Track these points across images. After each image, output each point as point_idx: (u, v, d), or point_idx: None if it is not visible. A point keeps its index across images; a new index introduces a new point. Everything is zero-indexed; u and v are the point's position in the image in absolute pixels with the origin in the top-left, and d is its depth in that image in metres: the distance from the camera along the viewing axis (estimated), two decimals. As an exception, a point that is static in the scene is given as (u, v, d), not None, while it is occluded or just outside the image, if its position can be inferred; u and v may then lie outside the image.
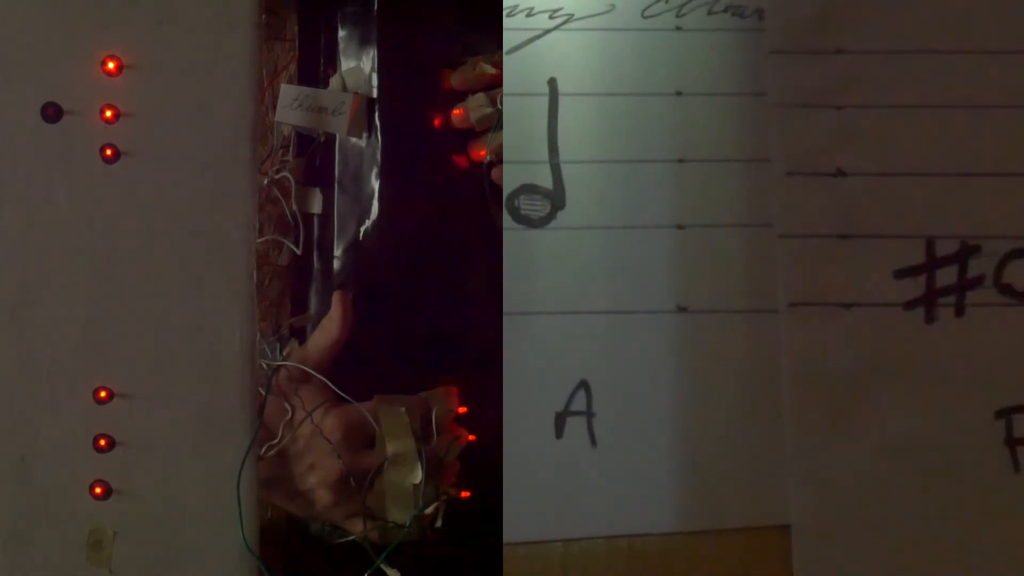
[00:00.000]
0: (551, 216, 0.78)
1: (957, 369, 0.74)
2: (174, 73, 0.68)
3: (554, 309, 0.77)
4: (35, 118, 0.67)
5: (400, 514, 0.77)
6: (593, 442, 0.74)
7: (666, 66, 0.81)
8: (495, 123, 0.81)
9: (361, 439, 0.78)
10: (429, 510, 0.77)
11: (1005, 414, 0.74)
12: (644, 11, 0.82)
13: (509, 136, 0.80)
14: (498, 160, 0.80)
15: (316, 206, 0.88)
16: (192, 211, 0.68)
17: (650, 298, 0.77)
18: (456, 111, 0.83)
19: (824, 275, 0.76)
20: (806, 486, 0.73)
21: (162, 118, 0.68)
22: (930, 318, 0.75)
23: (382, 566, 0.74)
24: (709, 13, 0.82)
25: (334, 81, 0.86)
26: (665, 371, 0.75)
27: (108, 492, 0.68)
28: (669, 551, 0.73)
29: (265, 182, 0.84)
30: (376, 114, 0.84)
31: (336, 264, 0.86)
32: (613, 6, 0.82)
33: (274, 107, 0.85)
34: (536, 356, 0.76)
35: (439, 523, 0.78)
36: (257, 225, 0.70)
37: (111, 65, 0.68)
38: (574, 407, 0.75)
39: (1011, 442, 0.73)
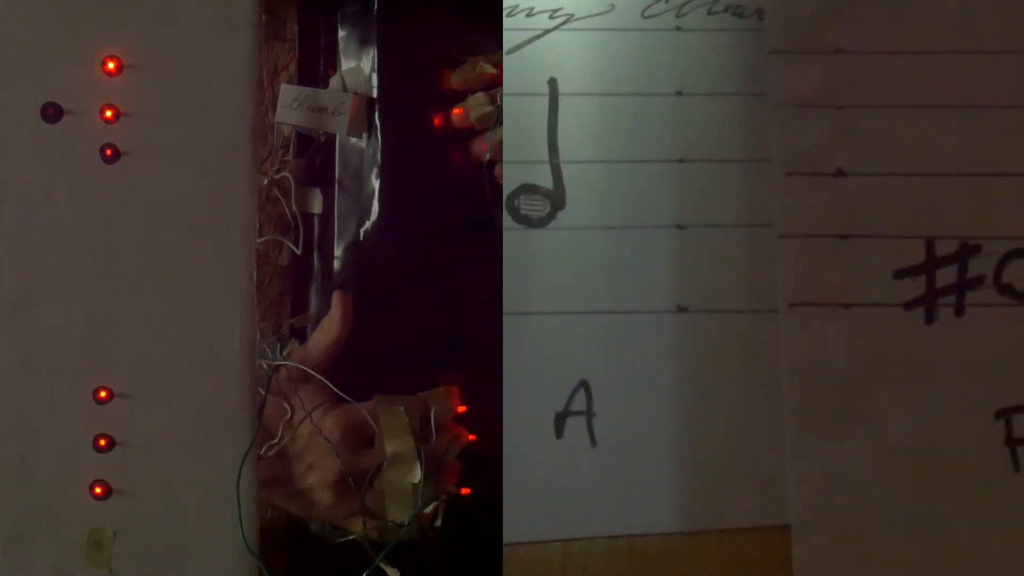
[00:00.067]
0: (551, 216, 0.78)
1: (957, 369, 0.74)
2: (174, 73, 0.68)
3: (554, 309, 0.77)
4: (35, 118, 0.67)
5: (399, 513, 0.77)
6: (593, 442, 0.75)
7: (666, 66, 0.81)
8: (495, 121, 0.81)
9: (360, 439, 0.78)
10: (428, 509, 0.77)
11: (1005, 414, 0.74)
12: (644, 11, 0.82)
13: (509, 136, 0.80)
14: (498, 158, 0.80)
15: (316, 206, 0.88)
16: (192, 211, 0.68)
17: (650, 298, 0.77)
18: (456, 110, 0.83)
19: (824, 275, 0.76)
20: (806, 486, 0.73)
21: (162, 118, 0.68)
22: (930, 318, 0.75)
23: (381, 565, 0.74)
24: (709, 13, 0.82)
25: (334, 81, 0.86)
26: (665, 371, 0.75)
27: (108, 492, 0.68)
28: (669, 551, 0.73)
29: (265, 182, 0.84)
30: (376, 114, 0.84)
31: (336, 264, 0.86)
32: (613, 6, 0.82)
33: (274, 107, 0.85)
34: (536, 356, 0.76)
35: (439, 522, 0.78)
36: (257, 225, 0.70)
37: (111, 65, 0.68)
38: (574, 407, 0.75)
39: (1011, 442, 0.73)
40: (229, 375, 0.69)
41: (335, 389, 0.78)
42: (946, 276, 0.76)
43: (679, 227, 0.78)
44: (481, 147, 0.82)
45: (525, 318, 0.76)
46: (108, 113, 0.68)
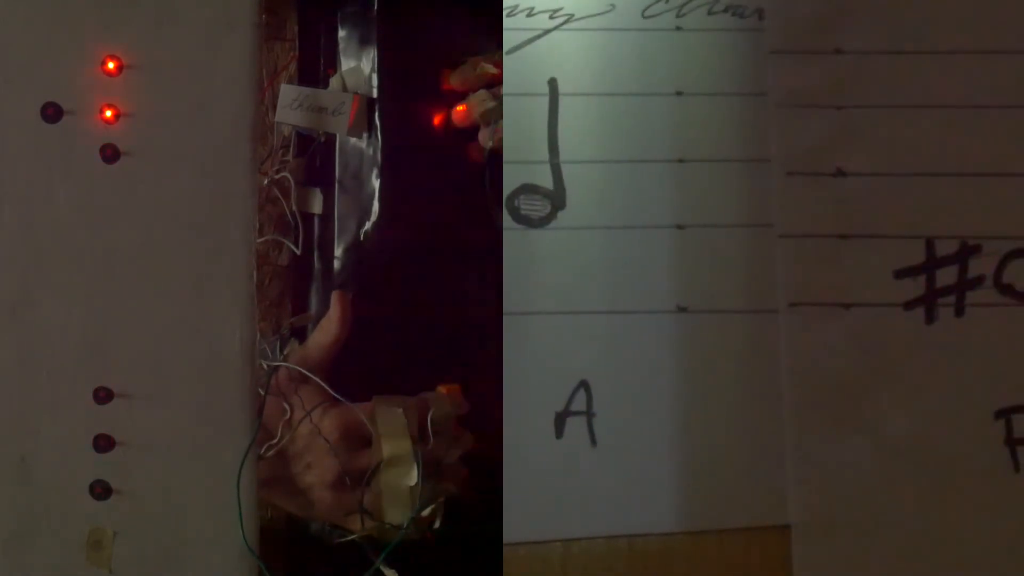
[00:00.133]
0: (551, 216, 0.78)
1: (957, 369, 0.74)
2: (174, 73, 0.68)
3: (554, 309, 0.77)
4: (35, 118, 0.67)
5: (397, 515, 0.77)
6: (593, 442, 0.75)
7: (666, 66, 0.81)
8: (498, 116, 0.81)
9: (359, 439, 0.78)
10: (426, 512, 0.77)
11: (1005, 414, 0.74)
12: (644, 11, 0.82)
13: (509, 136, 0.80)
14: (499, 147, 0.80)
15: (316, 206, 0.88)
16: (192, 211, 0.68)
17: (650, 298, 0.77)
18: (459, 107, 0.83)
19: (824, 275, 0.76)
20: (806, 486, 0.73)
21: (162, 118, 0.68)
22: (930, 318, 0.75)
23: (380, 567, 0.74)
24: (709, 13, 0.82)
25: (334, 81, 0.86)
26: (665, 371, 0.75)
27: (108, 492, 0.68)
28: (669, 551, 0.73)
29: (265, 182, 0.84)
30: (376, 114, 0.84)
31: (336, 264, 0.87)
32: (613, 6, 0.82)
33: (274, 107, 0.85)
34: (536, 356, 0.76)
35: (437, 524, 0.78)
36: (257, 225, 0.70)
37: (111, 65, 0.68)
38: (574, 407, 0.75)
39: (1011, 442, 0.73)
40: (229, 375, 0.69)
41: (330, 391, 0.78)
42: (946, 276, 0.76)
43: (679, 227, 0.78)
44: (484, 137, 0.82)
45: (525, 318, 0.76)
46: (108, 113, 0.68)
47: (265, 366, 0.77)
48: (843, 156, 0.78)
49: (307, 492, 0.80)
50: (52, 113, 0.67)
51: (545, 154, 0.79)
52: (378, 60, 0.84)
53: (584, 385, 0.75)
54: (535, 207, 0.79)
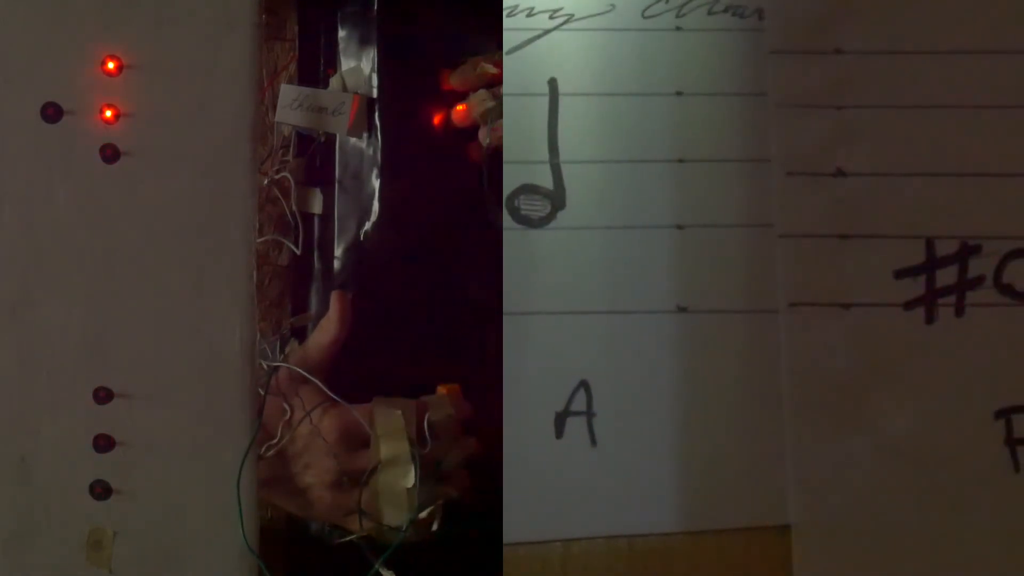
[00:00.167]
0: (551, 216, 0.78)
1: (957, 369, 0.74)
2: (174, 73, 0.68)
3: (554, 309, 0.77)
4: (35, 118, 0.67)
5: (395, 517, 0.77)
6: (593, 442, 0.74)
7: (666, 66, 0.81)
8: (497, 115, 0.81)
9: (358, 439, 0.78)
10: (424, 514, 0.77)
11: (1005, 414, 0.74)
12: (644, 11, 0.82)
13: (509, 136, 0.80)
14: (498, 147, 0.80)
15: (316, 206, 0.88)
16: (192, 211, 0.68)
17: (650, 298, 0.77)
18: (459, 107, 0.83)
19: (824, 275, 0.76)
20: (806, 486, 0.73)
21: (162, 118, 0.68)
22: (930, 318, 0.75)
23: (380, 569, 0.74)
24: (709, 13, 0.82)
25: (334, 81, 0.86)
26: (665, 371, 0.75)
27: (108, 492, 0.68)
28: (669, 551, 0.73)
29: (265, 182, 0.84)
30: (376, 114, 0.84)
31: (336, 264, 0.87)
32: (613, 6, 0.82)
33: (274, 107, 0.85)
34: (536, 356, 0.76)
35: (435, 526, 0.78)
36: (257, 225, 0.70)
37: (111, 65, 0.68)
38: (574, 407, 0.75)
39: (1011, 442, 0.73)
40: (229, 375, 0.69)
41: (328, 391, 0.78)
42: (946, 276, 0.76)
43: (679, 227, 0.78)
44: (482, 136, 0.82)
45: (525, 318, 0.76)
46: (108, 113, 0.68)
47: (265, 366, 0.77)
48: (843, 156, 0.78)
49: (306, 492, 0.80)
50: (52, 113, 0.67)
51: (545, 154, 0.79)
52: (378, 60, 0.84)
53: (584, 385, 0.75)
54: (535, 207, 0.78)
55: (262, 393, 0.74)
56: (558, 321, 0.76)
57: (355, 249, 0.86)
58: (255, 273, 0.69)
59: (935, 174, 0.77)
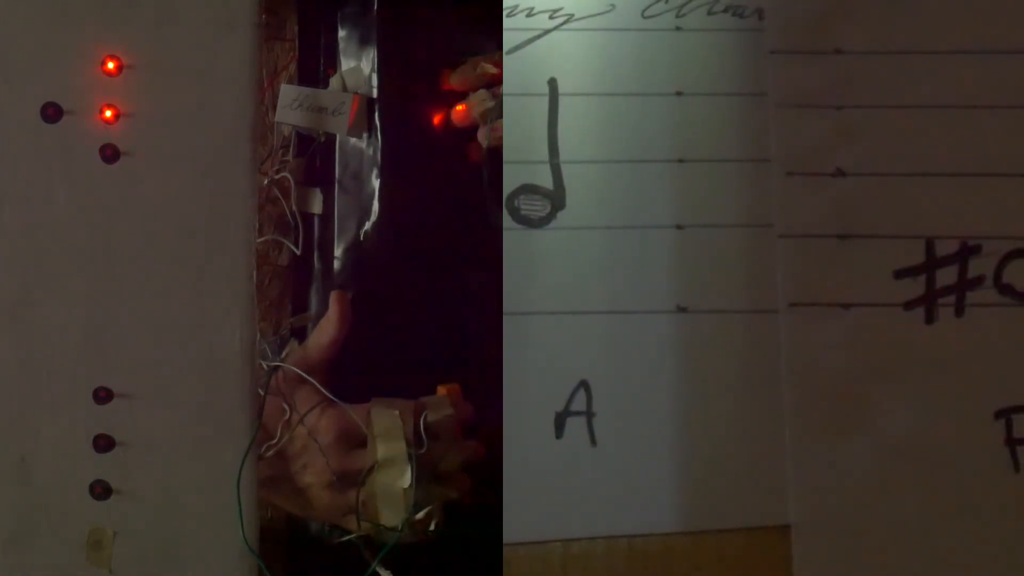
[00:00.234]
0: (551, 216, 0.78)
1: (957, 369, 0.74)
2: (174, 73, 0.68)
3: (554, 309, 0.77)
4: (35, 118, 0.67)
5: (391, 517, 0.77)
6: (593, 442, 0.74)
7: (666, 66, 0.81)
8: (497, 115, 0.81)
9: (356, 439, 0.78)
10: (421, 515, 0.77)
11: (1005, 414, 0.74)
12: (644, 11, 0.82)
13: (509, 136, 0.80)
14: (497, 146, 0.80)
15: (316, 206, 0.88)
16: (192, 211, 0.68)
17: (650, 298, 0.77)
18: (459, 107, 0.83)
19: (824, 275, 0.76)
20: (806, 486, 0.73)
21: (162, 118, 0.68)
22: (930, 318, 0.75)
23: (378, 569, 0.74)
24: (709, 13, 0.82)
25: (334, 81, 0.86)
26: (665, 371, 0.75)
27: (108, 492, 0.68)
28: (669, 551, 0.73)
29: (265, 182, 0.84)
30: (376, 114, 0.84)
31: (336, 264, 0.87)
32: (613, 6, 0.82)
33: (274, 107, 0.85)
34: (536, 356, 0.76)
35: (433, 527, 0.78)
36: (257, 225, 0.70)
37: (111, 65, 0.68)
38: (574, 407, 0.75)
39: (1011, 442, 0.73)
40: (229, 375, 0.69)
41: (325, 392, 0.78)
42: (946, 276, 0.76)
43: (679, 227, 0.78)
44: (481, 136, 0.82)
45: (525, 318, 0.76)
46: (108, 113, 0.68)
47: (265, 366, 0.77)
48: (843, 156, 0.78)
49: (305, 492, 0.80)
50: (52, 113, 0.67)
51: (545, 154, 0.79)
52: (378, 60, 0.84)
53: (584, 385, 0.75)
54: (535, 207, 0.78)
55: (262, 393, 0.74)
56: (558, 321, 0.76)
57: (355, 249, 0.86)
58: (255, 273, 0.69)
59: (935, 174, 0.77)
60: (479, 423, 0.81)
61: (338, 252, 0.86)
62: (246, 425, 0.69)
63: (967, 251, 0.76)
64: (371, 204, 0.85)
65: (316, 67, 0.89)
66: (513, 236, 0.78)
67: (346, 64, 0.86)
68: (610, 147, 0.80)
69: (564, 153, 0.79)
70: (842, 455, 0.73)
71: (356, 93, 0.84)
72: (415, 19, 0.85)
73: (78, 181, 0.68)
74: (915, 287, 0.76)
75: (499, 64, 0.81)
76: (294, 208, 0.85)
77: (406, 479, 0.77)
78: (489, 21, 0.82)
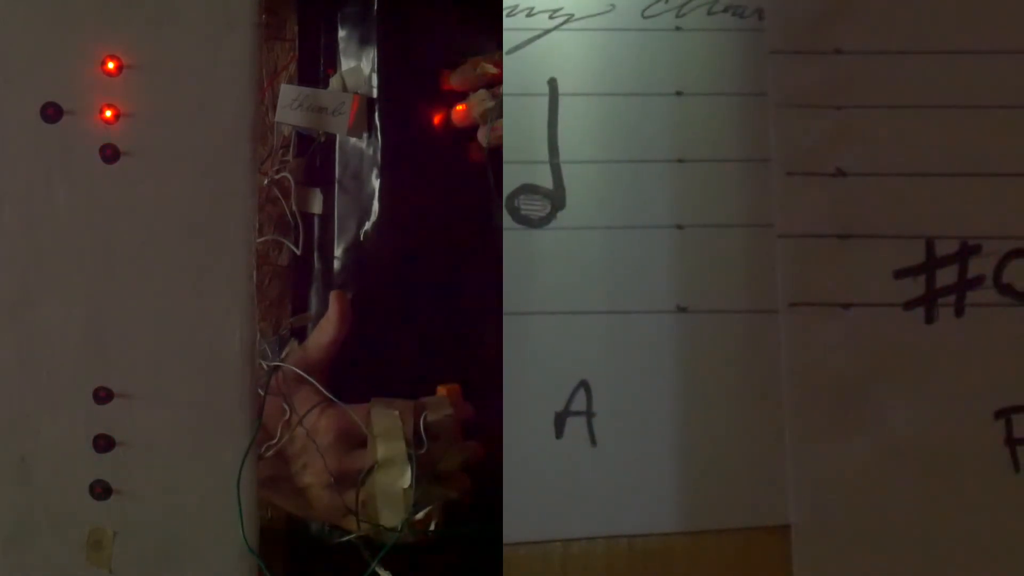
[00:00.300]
0: (551, 216, 0.78)
1: (957, 369, 0.74)
2: (174, 73, 0.68)
3: (554, 309, 0.77)
4: (35, 118, 0.67)
5: (391, 517, 0.77)
6: (593, 442, 0.74)
7: (666, 66, 0.81)
8: (497, 115, 0.81)
9: (356, 439, 0.78)
10: (420, 515, 0.77)
11: (1005, 414, 0.74)
12: (644, 11, 0.82)
13: (509, 136, 0.80)
14: (499, 144, 0.80)
15: (316, 206, 0.88)
16: (192, 211, 0.68)
17: (650, 298, 0.77)
18: (459, 107, 0.83)
19: (824, 275, 0.76)
20: (806, 486, 0.73)
21: (162, 118, 0.68)
22: (930, 318, 0.75)
23: (377, 569, 0.74)
24: (709, 13, 0.82)
25: (334, 81, 0.86)
26: (665, 371, 0.75)
27: (108, 492, 0.68)
28: (669, 551, 0.73)
29: (265, 182, 0.84)
30: (376, 114, 0.84)
31: (336, 264, 0.87)
32: (613, 6, 0.82)
33: (274, 107, 0.85)
34: (536, 356, 0.76)
35: (433, 527, 0.78)
36: (257, 225, 0.70)
37: (111, 65, 0.68)
38: (574, 407, 0.75)
39: (1011, 442, 0.73)
40: (229, 375, 0.69)
41: (325, 392, 0.78)
42: (946, 276, 0.76)
43: (679, 227, 0.78)
44: (481, 136, 0.82)
45: (525, 318, 0.76)
46: (108, 113, 0.68)
47: (265, 366, 0.77)
48: (843, 156, 0.78)
49: (305, 492, 0.80)
50: (52, 113, 0.67)
51: (545, 154, 0.79)
52: (378, 60, 0.84)
53: (584, 385, 0.75)
54: (535, 207, 0.78)
55: (262, 393, 0.74)
56: (558, 321, 0.76)
57: (355, 249, 0.86)
58: (255, 273, 0.69)
59: (935, 174, 0.77)
60: (479, 423, 0.81)
61: (338, 252, 0.86)
62: (246, 425, 0.69)
63: (967, 251, 0.76)
64: (371, 204, 0.85)
65: (316, 67, 0.89)
66: (513, 236, 0.78)
67: (346, 64, 0.86)
68: (610, 147, 0.80)
69: (564, 153, 0.79)
70: (842, 455, 0.73)
71: (356, 93, 0.84)
72: (415, 19, 0.85)
73: (78, 181, 0.68)
74: (915, 287, 0.76)
75: (499, 64, 0.81)
76: (294, 208, 0.85)
77: (406, 479, 0.77)
78: (489, 21, 0.82)
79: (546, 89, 0.81)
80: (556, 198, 0.79)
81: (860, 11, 0.81)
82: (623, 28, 0.82)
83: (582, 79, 0.81)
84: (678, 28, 0.82)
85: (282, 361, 0.80)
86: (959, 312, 0.75)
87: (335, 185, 0.87)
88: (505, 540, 0.72)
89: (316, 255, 0.88)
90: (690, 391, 0.75)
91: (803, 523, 0.72)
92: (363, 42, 0.86)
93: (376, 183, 0.85)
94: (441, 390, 0.81)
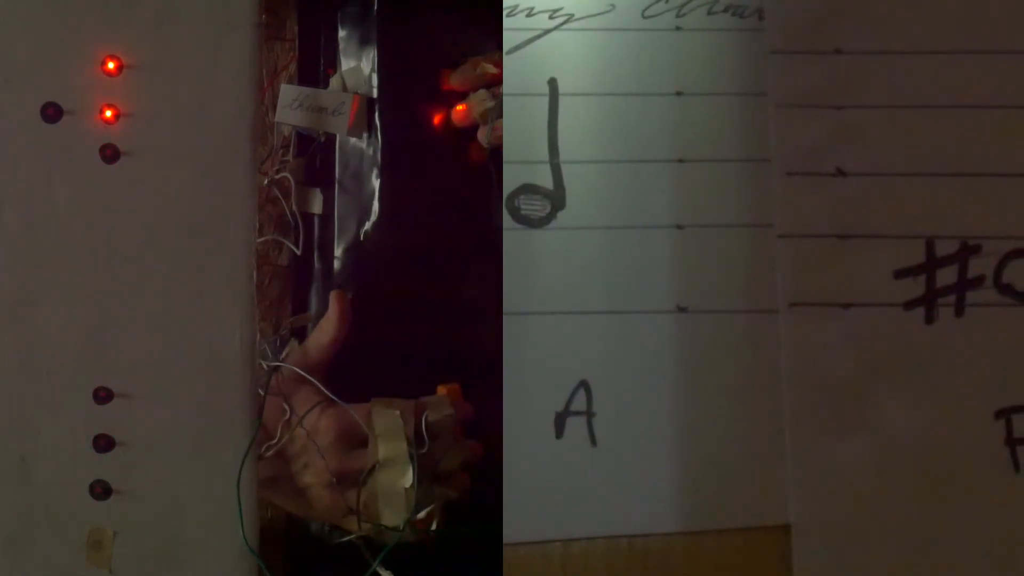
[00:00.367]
0: (551, 216, 0.78)
1: (957, 369, 0.74)
2: (174, 73, 0.68)
3: (554, 309, 0.77)
4: (35, 118, 0.67)
5: (393, 517, 0.77)
6: (593, 442, 0.74)
7: (666, 66, 0.81)
8: (497, 115, 0.81)
9: (356, 439, 0.78)
10: (422, 515, 0.77)
11: (1005, 414, 0.74)
12: (644, 11, 0.82)
13: (509, 136, 0.80)
14: (499, 144, 0.80)
15: (316, 206, 0.88)
16: (192, 211, 0.68)
17: (650, 298, 0.77)
18: (459, 107, 0.83)
19: (824, 275, 0.76)
20: (806, 486, 0.73)
21: (162, 118, 0.68)
22: (930, 318, 0.75)
23: (378, 569, 0.74)
24: (709, 13, 0.82)
25: (334, 81, 0.86)
26: (665, 371, 0.75)
27: (108, 492, 0.68)
28: (669, 551, 0.73)
29: (265, 182, 0.84)
30: (376, 114, 0.84)
31: (336, 264, 0.87)
32: (613, 6, 0.82)
33: (274, 107, 0.85)
34: (536, 356, 0.76)
35: (434, 526, 0.78)
36: (257, 225, 0.70)
37: (111, 65, 0.68)
38: (574, 407, 0.75)
39: (1011, 442, 0.73)
40: (229, 375, 0.69)
41: (326, 391, 0.78)
42: (946, 276, 0.76)
43: (679, 227, 0.78)
44: (482, 136, 0.82)
45: (525, 318, 0.76)
46: (108, 113, 0.68)
47: (265, 366, 0.77)
48: (843, 156, 0.78)
49: (306, 492, 0.80)
50: (52, 113, 0.67)
51: (545, 154, 0.79)
52: (378, 60, 0.84)
53: (584, 385, 0.75)
54: (535, 207, 0.78)
55: (262, 393, 0.74)
56: (558, 321, 0.76)
57: (355, 249, 0.86)
58: (255, 273, 0.69)
59: (935, 174, 0.77)
60: (479, 423, 0.81)
61: (338, 252, 0.86)
62: (246, 425, 0.69)
63: (967, 251, 0.76)
64: (371, 204, 0.85)
65: (316, 67, 0.89)
66: (513, 236, 0.78)
67: (346, 64, 0.86)
68: (610, 147, 0.80)
69: (564, 153, 0.79)
70: (842, 455, 0.73)
71: (356, 93, 0.84)
72: (415, 19, 0.85)
73: (78, 181, 0.68)
74: (915, 287, 0.76)
75: (499, 64, 0.81)
76: (294, 208, 0.85)
77: (407, 479, 0.77)
78: (489, 21, 0.82)
79: (546, 89, 0.81)
80: (556, 198, 0.79)
81: (860, 11, 0.81)
82: (623, 28, 0.82)
83: (582, 79, 0.81)
84: (678, 28, 0.82)
85: (282, 361, 0.80)
86: (959, 312, 0.75)
87: (335, 185, 0.87)
88: (505, 540, 0.72)
89: (316, 255, 0.88)
90: (690, 391, 0.75)
91: (803, 523, 0.72)
92: (363, 42, 0.86)
93: (376, 183, 0.85)
94: (441, 390, 0.81)
